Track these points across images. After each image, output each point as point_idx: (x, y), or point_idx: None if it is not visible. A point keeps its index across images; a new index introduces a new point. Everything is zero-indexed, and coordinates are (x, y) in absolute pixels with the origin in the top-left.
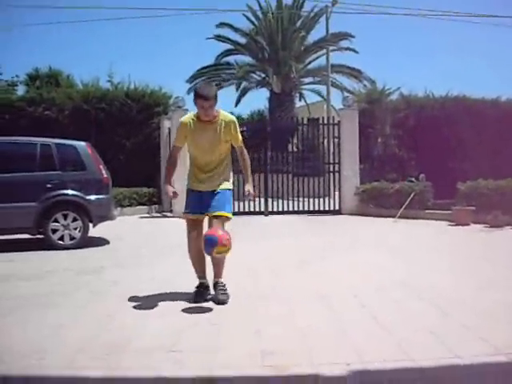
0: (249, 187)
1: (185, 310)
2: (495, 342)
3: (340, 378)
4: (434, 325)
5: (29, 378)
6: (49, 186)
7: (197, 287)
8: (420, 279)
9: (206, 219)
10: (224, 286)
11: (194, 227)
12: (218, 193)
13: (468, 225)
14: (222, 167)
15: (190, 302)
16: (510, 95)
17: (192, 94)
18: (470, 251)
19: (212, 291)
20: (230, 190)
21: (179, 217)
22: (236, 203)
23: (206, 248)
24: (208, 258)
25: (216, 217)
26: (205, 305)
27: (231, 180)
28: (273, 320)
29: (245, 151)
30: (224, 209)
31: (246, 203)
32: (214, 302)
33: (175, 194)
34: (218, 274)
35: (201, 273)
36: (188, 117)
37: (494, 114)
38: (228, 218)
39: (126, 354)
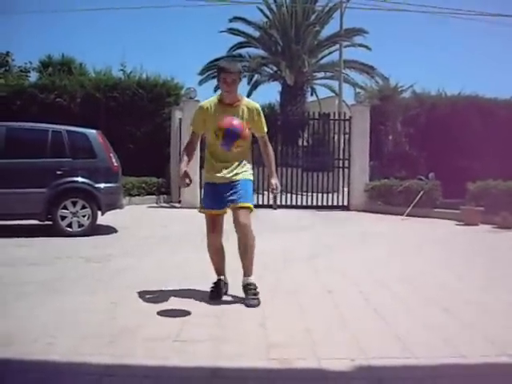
0: (274, 180)
1: (191, 300)
2: (499, 342)
3: (344, 373)
4: (438, 323)
5: (35, 362)
6: (59, 172)
7: (214, 285)
8: (426, 277)
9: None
10: (256, 288)
11: (213, 223)
12: (239, 183)
13: (476, 225)
14: (242, 156)
15: (197, 293)
16: None
17: (204, 86)
18: (478, 251)
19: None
20: (250, 180)
21: (187, 207)
22: None
23: (228, 141)
24: (231, 254)
25: (240, 208)
26: (213, 296)
27: (251, 171)
28: (279, 313)
29: (268, 143)
30: (247, 199)
31: (255, 195)
32: (245, 305)
33: (186, 176)
34: (247, 271)
35: (219, 270)
36: (208, 101)
37: (506, 115)
38: (251, 210)
39: (132, 342)
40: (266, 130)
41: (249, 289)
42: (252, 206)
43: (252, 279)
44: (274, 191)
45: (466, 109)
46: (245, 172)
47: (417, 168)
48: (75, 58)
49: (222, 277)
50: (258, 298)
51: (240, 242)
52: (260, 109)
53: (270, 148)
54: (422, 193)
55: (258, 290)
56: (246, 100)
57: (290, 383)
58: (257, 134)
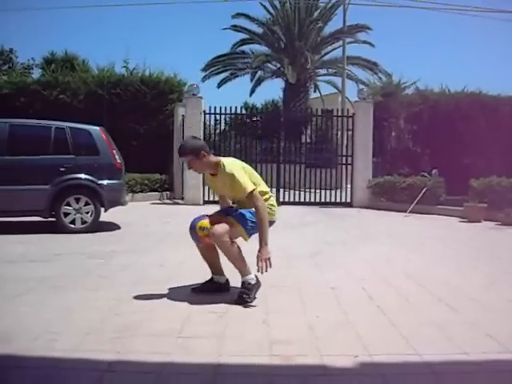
0: (262, 252)
1: (194, 297)
2: (502, 339)
3: (347, 369)
4: (441, 320)
5: (38, 358)
6: (62, 169)
7: (206, 281)
8: (430, 274)
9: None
10: (247, 288)
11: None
12: (240, 210)
13: (480, 222)
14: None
15: (199, 290)
16: None
17: (207, 82)
18: (481, 248)
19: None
20: (252, 213)
21: (191, 204)
22: None
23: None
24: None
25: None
26: (214, 293)
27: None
28: (282, 310)
29: (258, 201)
30: (238, 219)
31: None
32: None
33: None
34: (239, 271)
35: (211, 269)
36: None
37: (510, 112)
38: (235, 225)
39: (134, 339)
40: (248, 188)
41: (241, 287)
42: (243, 230)
43: (246, 278)
44: (259, 265)
45: (469, 105)
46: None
47: (420, 165)
48: (78, 54)
49: (213, 276)
50: (243, 298)
51: None
52: (235, 174)
53: (260, 207)
54: (425, 189)
55: (249, 289)
56: (222, 165)
57: (293, 379)
58: (242, 195)
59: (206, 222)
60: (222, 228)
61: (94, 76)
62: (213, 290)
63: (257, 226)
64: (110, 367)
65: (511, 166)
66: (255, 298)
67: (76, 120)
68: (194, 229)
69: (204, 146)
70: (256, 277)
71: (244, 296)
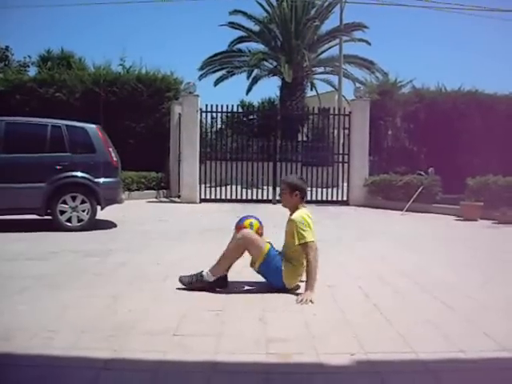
0: (307, 294)
1: (190, 296)
2: (499, 337)
3: (344, 367)
4: (438, 318)
5: (35, 356)
6: (58, 167)
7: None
8: (426, 272)
9: None
10: (198, 277)
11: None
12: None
13: (476, 220)
14: (286, 253)
15: (194, 289)
16: None
17: (203, 80)
18: (477, 246)
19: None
20: (282, 267)
21: (187, 202)
22: (244, 191)
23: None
24: None
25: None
26: (211, 291)
27: (289, 269)
28: (278, 308)
29: (310, 253)
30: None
31: (254, 190)
32: None
33: None
34: (216, 264)
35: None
36: None
37: (506, 110)
38: (261, 254)
39: (130, 337)
40: (299, 240)
41: (198, 273)
42: (261, 259)
43: (210, 274)
44: (300, 302)
45: (465, 104)
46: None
47: (416, 163)
48: (74, 52)
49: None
50: (189, 279)
51: None
52: (297, 222)
53: (312, 259)
54: (421, 188)
55: (198, 279)
56: (297, 211)
57: (289, 378)
58: (292, 242)
59: (257, 224)
60: (253, 236)
61: (90, 74)
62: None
63: (268, 273)
64: (106, 365)
65: (508, 165)
66: (190, 286)
67: (72, 118)
68: (245, 219)
69: (302, 190)
70: (224, 281)
71: (192, 279)
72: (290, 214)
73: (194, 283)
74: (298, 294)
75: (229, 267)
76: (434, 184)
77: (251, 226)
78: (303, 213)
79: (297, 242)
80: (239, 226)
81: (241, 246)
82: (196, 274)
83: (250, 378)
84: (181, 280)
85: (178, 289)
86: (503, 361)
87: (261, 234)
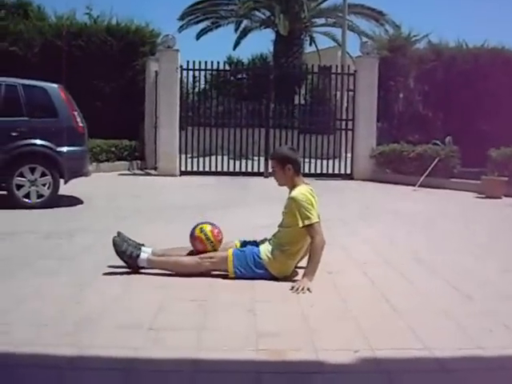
0: (304, 281)
1: (168, 283)
2: None
3: (346, 365)
4: (452, 310)
5: None
6: (14, 134)
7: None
8: (441, 257)
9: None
10: (131, 255)
11: None
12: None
13: (499, 198)
14: (280, 236)
15: (173, 275)
16: None
17: (184, 33)
18: (500, 228)
19: None
20: (261, 258)
21: (165, 175)
22: (231, 162)
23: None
24: None
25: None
26: (192, 277)
27: (276, 257)
28: (271, 298)
29: (316, 236)
30: (237, 256)
31: (244, 161)
32: None
33: None
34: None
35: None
36: None
37: None
38: (228, 261)
39: (99, 331)
40: (303, 221)
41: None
42: (231, 268)
43: (145, 252)
44: (294, 289)
45: (490, 63)
46: (270, 250)
47: (432, 131)
48: None
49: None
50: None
51: None
52: (298, 200)
53: (318, 242)
54: (437, 160)
55: (131, 256)
56: (296, 187)
57: (282, 378)
58: (292, 223)
59: (209, 229)
60: (206, 259)
61: (51, 25)
62: None
63: (248, 272)
64: (71, 363)
65: None
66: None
67: (30, 76)
68: (197, 226)
69: (295, 161)
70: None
71: (127, 250)
72: (290, 192)
73: (125, 255)
74: (294, 281)
75: None
76: (451, 155)
77: (202, 231)
78: (304, 189)
79: (300, 224)
80: (193, 237)
81: (201, 267)
82: (135, 247)
83: (237, 377)
84: (115, 242)
85: (154, 275)
86: None
87: (220, 240)
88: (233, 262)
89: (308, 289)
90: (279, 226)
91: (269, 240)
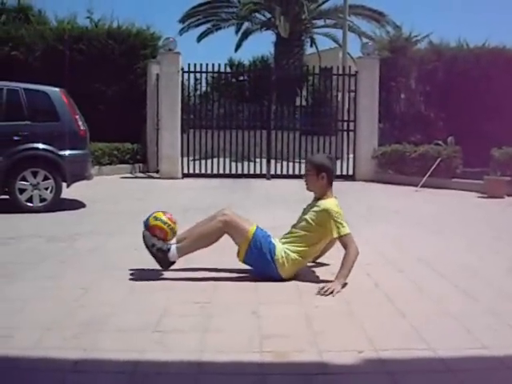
0: (335, 284)
1: (171, 286)
2: None
3: (350, 366)
4: (457, 309)
5: None
6: (16, 138)
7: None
8: (444, 257)
9: None
10: (161, 250)
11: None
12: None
13: (502, 197)
14: (295, 237)
15: (179, 276)
16: None
17: (185, 36)
18: (503, 227)
19: None
20: (276, 256)
21: (167, 178)
22: (233, 164)
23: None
24: None
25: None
26: (196, 281)
27: (291, 262)
28: (275, 299)
29: (351, 245)
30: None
31: (246, 163)
32: None
33: None
34: (190, 241)
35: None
36: None
37: None
38: (244, 240)
39: (103, 334)
40: (339, 233)
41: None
42: (244, 248)
43: (171, 244)
44: (323, 291)
45: (491, 63)
46: (285, 251)
47: (433, 131)
48: (33, 4)
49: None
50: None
51: None
52: (330, 212)
53: (352, 252)
54: (439, 160)
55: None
56: (326, 199)
57: (287, 379)
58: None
59: (162, 215)
60: (233, 217)
61: (52, 29)
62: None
63: (256, 262)
64: (75, 367)
65: None
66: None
67: (32, 80)
68: (149, 217)
69: (330, 171)
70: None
71: (157, 244)
72: (316, 199)
73: (155, 251)
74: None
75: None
76: (453, 156)
77: (157, 219)
78: (334, 203)
79: (335, 235)
80: (150, 227)
81: (220, 230)
82: (164, 243)
83: (241, 379)
84: (145, 235)
85: (158, 278)
86: None
87: (175, 222)
88: (249, 242)
89: (331, 292)
90: (293, 228)
91: (280, 239)
